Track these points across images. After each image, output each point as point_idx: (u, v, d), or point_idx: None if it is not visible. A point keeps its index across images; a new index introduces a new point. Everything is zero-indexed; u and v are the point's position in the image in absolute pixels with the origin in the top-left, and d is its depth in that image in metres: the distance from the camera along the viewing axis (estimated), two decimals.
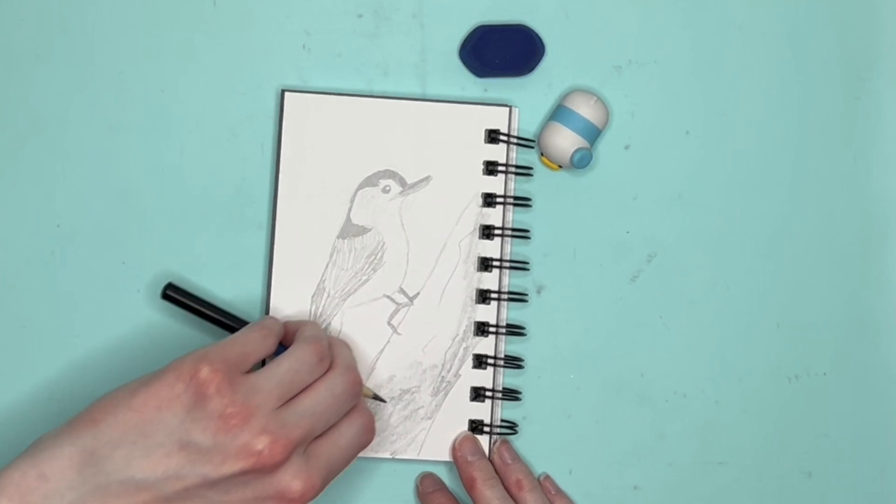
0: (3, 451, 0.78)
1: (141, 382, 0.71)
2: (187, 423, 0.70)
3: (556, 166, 0.86)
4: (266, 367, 0.74)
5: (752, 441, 0.88)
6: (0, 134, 0.85)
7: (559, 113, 0.85)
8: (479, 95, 0.87)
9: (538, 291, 0.87)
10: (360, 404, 0.78)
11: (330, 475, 0.75)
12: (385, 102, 0.86)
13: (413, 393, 0.85)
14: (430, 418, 0.85)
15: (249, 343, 0.75)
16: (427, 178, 0.85)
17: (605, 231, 0.87)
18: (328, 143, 0.85)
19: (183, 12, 0.86)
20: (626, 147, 0.88)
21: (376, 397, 0.84)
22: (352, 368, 0.77)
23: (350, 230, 0.85)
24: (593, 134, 0.85)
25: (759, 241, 0.88)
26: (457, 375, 0.85)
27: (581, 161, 0.84)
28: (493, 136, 0.86)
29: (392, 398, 0.85)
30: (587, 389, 0.87)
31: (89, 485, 0.69)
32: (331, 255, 0.85)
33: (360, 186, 0.85)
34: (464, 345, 0.85)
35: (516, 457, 0.85)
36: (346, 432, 0.76)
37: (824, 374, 0.88)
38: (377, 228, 0.85)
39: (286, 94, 0.85)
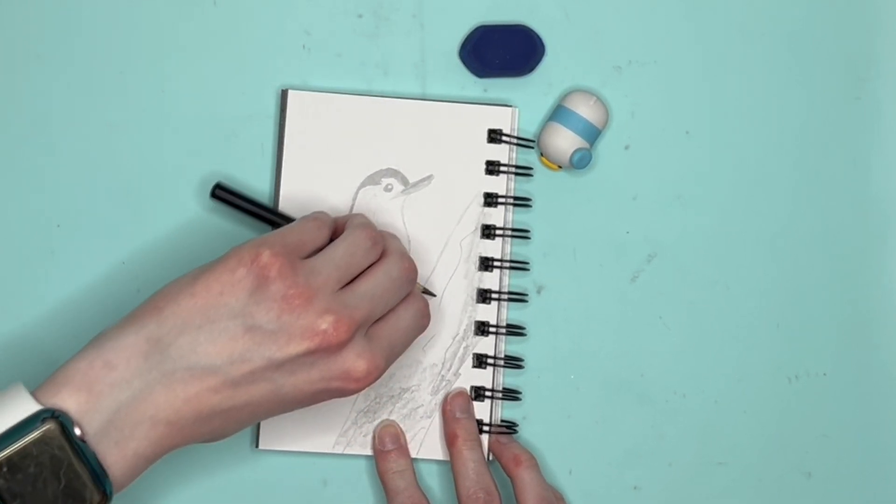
0: None
1: (202, 270, 0.72)
2: (251, 307, 0.70)
3: (555, 166, 0.86)
4: (323, 252, 0.74)
5: (752, 441, 0.88)
6: (0, 133, 0.85)
7: (559, 113, 0.85)
8: (479, 95, 0.87)
9: (538, 291, 0.87)
10: (414, 291, 0.79)
11: (391, 357, 0.76)
12: (388, 101, 0.86)
13: (413, 392, 0.85)
14: (429, 417, 0.85)
15: (306, 232, 0.75)
16: (429, 178, 0.85)
17: (605, 231, 0.87)
18: (330, 142, 0.85)
19: (183, 12, 0.86)
20: (626, 147, 0.88)
21: (426, 291, 0.84)
22: (406, 255, 0.78)
23: None
24: (593, 134, 0.85)
25: (759, 241, 0.88)
26: (457, 375, 0.85)
27: (581, 161, 0.84)
28: (494, 136, 0.86)
29: (391, 396, 0.85)
30: (587, 389, 0.87)
31: (156, 371, 0.69)
32: None
33: (363, 185, 0.85)
34: (464, 344, 0.85)
35: (470, 411, 0.85)
36: (405, 315, 0.77)
37: (824, 374, 0.88)
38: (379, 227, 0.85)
39: (289, 92, 0.85)
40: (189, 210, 0.85)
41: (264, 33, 0.87)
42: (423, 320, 0.79)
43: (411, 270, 0.78)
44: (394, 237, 0.80)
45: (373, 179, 0.85)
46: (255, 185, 0.85)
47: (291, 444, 0.85)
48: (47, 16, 0.85)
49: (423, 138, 0.85)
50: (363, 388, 0.74)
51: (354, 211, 0.85)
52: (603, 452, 0.87)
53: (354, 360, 0.72)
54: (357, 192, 0.85)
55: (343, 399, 0.83)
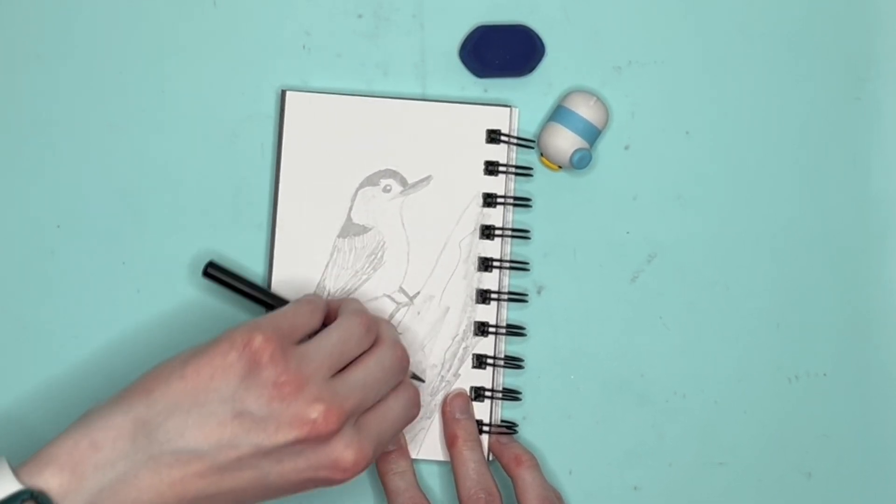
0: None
1: (193, 352, 0.71)
2: (241, 392, 0.70)
3: (555, 167, 0.86)
4: (316, 338, 0.74)
5: (752, 441, 0.88)
6: (0, 134, 0.85)
7: (559, 113, 0.85)
8: (479, 96, 0.87)
9: (538, 291, 0.87)
10: (405, 379, 0.78)
11: (380, 447, 0.75)
12: (386, 102, 0.86)
13: None
14: (429, 418, 0.85)
15: (299, 316, 0.75)
16: (428, 178, 0.85)
17: (605, 231, 0.87)
18: (329, 143, 0.85)
19: (183, 12, 0.86)
20: (626, 147, 0.88)
21: (415, 377, 0.84)
22: (399, 343, 0.77)
23: (351, 229, 0.85)
24: (593, 134, 0.85)
25: (759, 242, 0.88)
26: (456, 375, 0.85)
27: (581, 162, 0.84)
28: (493, 137, 0.86)
29: None
30: (587, 389, 0.87)
31: (142, 454, 0.69)
32: (331, 255, 0.85)
33: (361, 186, 0.85)
34: (463, 345, 0.85)
35: (469, 411, 0.85)
36: (395, 406, 0.76)
37: (824, 374, 0.88)
38: (378, 228, 0.85)
39: (287, 93, 0.85)
40: (189, 210, 0.85)
41: (264, 33, 0.87)
42: (413, 410, 0.78)
43: (403, 359, 0.77)
44: (387, 323, 0.79)
45: (371, 180, 0.85)
46: (255, 185, 0.85)
47: None
48: (47, 16, 0.85)
49: (422, 139, 0.85)
50: (350, 479, 0.73)
51: (354, 211, 0.85)
52: (603, 452, 0.87)
53: (343, 451, 0.72)
54: (356, 194, 0.85)
55: None
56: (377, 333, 0.77)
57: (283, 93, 0.85)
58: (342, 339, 0.74)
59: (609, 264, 0.87)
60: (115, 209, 0.85)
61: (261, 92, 0.86)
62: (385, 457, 0.84)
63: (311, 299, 0.77)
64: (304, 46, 0.87)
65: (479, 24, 0.86)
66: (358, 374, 0.74)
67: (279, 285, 0.85)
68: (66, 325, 0.85)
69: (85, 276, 0.85)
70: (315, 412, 0.70)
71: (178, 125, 0.86)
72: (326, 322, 0.77)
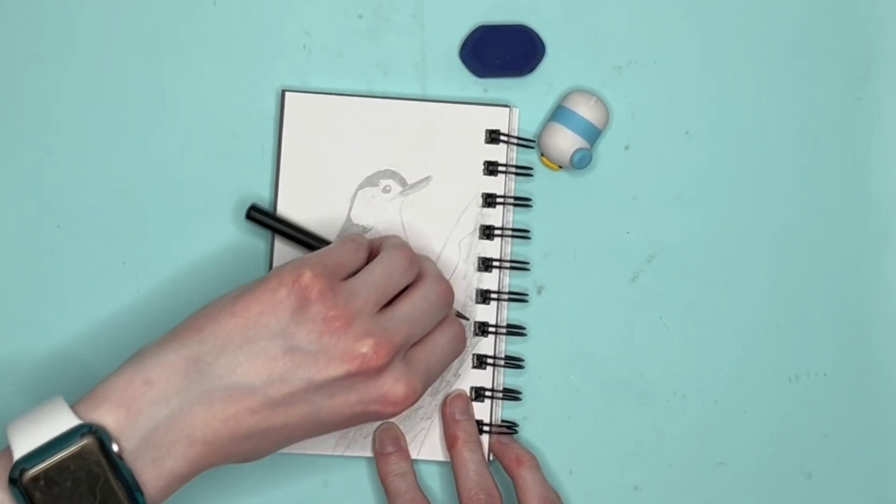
0: None
1: (243, 290, 0.72)
2: (291, 328, 0.71)
3: (556, 167, 0.86)
4: (361, 273, 0.75)
5: (752, 441, 0.88)
6: (0, 134, 0.85)
7: (559, 113, 0.85)
8: (479, 96, 0.87)
9: (538, 292, 0.87)
10: (450, 314, 0.79)
11: (429, 381, 0.76)
12: (385, 103, 0.86)
13: None
14: (429, 418, 0.85)
15: (344, 254, 0.75)
16: (427, 179, 0.85)
17: (605, 231, 0.87)
18: (328, 143, 0.85)
19: (183, 12, 0.86)
20: (626, 147, 0.88)
21: (460, 315, 0.84)
22: (442, 278, 0.78)
23: (350, 230, 0.85)
24: (593, 134, 0.85)
25: (759, 241, 0.88)
26: (456, 375, 0.85)
27: (581, 161, 0.84)
28: (493, 137, 0.86)
29: None
30: (587, 389, 0.87)
31: (195, 391, 0.69)
32: None
33: (361, 186, 0.85)
34: None
35: (469, 412, 0.85)
36: (441, 340, 0.77)
37: (824, 374, 0.88)
38: (377, 228, 0.85)
39: (287, 94, 0.85)
40: (189, 210, 0.85)
41: (264, 33, 0.87)
42: (459, 344, 0.79)
43: (448, 294, 0.78)
44: (429, 260, 0.80)
45: (371, 181, 0.85)
46: (256, 185, 0.85)
47: (291, 445, 0.84)
48: (47, 16, 0.85)
49: (421, 139, 0.85)
50: (401, 413, 0.74)
51: (353, 212, 0.85)
52: (603, 453, 0.87)
53: (393, 385, 0.73)
54: (355, 194, 0.85)
55: None
56: (420, 268, 0.78)
57: (283, 93, 0.85)
58: (387, 273, 0.75)
59: (609, 264, 0.87)
60: (115, 209, 0.85)
61: (261, 92, 0.86)
62: (385, 458, 0.84)
63: (354, 238, 0.77)
64: (304, 46, 0.87)
65: (480, 24, 0.87)
66: (405, 308, 0.75)
67: (285, 206, 0.85)
68: (65, 325, 0.85)
69: (85, 276, 0.85)
70: (365, 346, 0.71)
71: (178, 125, 0.86)
72: (370, 260, 0.77)
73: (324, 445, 0.85)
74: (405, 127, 0.85)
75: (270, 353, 0.70)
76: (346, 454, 0.85)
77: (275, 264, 0.84)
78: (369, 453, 0.85)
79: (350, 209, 0.85)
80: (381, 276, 0.75)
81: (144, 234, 0.85)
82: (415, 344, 0.75)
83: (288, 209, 0.85)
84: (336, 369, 0.71)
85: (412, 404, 0.74)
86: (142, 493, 0.68)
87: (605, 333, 0.87)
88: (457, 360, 0.85)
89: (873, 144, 0.89)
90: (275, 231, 0.83)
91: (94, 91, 0.86)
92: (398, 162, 0.85)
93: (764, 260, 0.88)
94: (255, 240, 0.85)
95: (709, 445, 0.88)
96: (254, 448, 0.72)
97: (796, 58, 0.88)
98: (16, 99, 0.85)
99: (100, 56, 0.86)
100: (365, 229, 0.85)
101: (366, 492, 0.86)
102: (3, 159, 0.85)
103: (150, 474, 0.69)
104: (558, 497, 0.84)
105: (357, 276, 0.74)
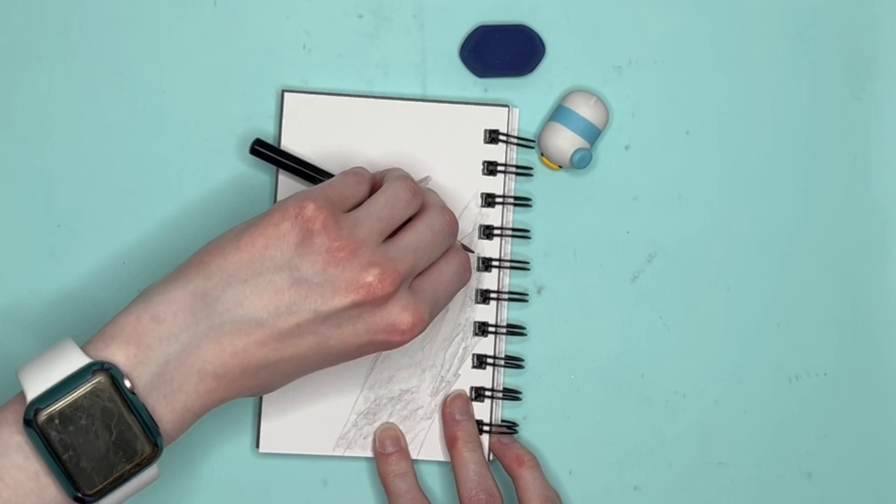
0: None
1: (247, 224, 0.73)
2: (296, 260, 0.71)
3: (556, 166, 0.86)
4: (365, 204, 0.75)
5: (752, 441, 0.88)
6: (0, 134, 0.85)
7: (559, 113, 0.85)
8: (479, 96, 0.87)
9: (538, 291, 0.87)
10: (455, 244, 0.79)
11: (435, 310, 0.76)
12: (384, 103, 0.85)
13: (412, 393, 0.85)
14: (429, 418, 0.85)
15: (347, 186, 0.76)
16: (426, 179, 0.85)
17: (605, 231, 0.87)
18: (327, 144, 0.85)
19: (183, 12, 0.86)
20: (626, 147, 0.88)
21: (464, 247, 0.84)
22: (446, 208, 0.78)
23: None
24: (593, 134, 0.85)
25: (759, 241, 0.88)
26: (456, 375, 0.85)
27: (581, 161, 0.84)
28: (492, 137, 0.86)
29: (391, 398, 0.85)
30: (587, 389, 0.87)
31: (203, 325, 0.70)
32: None
33: None
34: (463, 345, 0.85)
35: (469, 412, 0.85)
36: (446, 269, 0.78)
37: (824, 374, 0.88)
38: None
39: (286, 94, 0.85)
40: (189, 210, 0.85)
41: (264, 33, 0.87)
42: (465, 274, 0.79)
43: (452, 223, 0.78)
44: (433, 191, 0.80)
45: None
46: (255, 185, 0.85)
47: (292, 447, 0.85)
48: (46, 16, 0.85)
49: (420, 139, 0.85)
50: (409, 341, 0.74)
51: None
52: (603, 453, 0.87)
53: (400, 313, 0.73)
54: None
55: (343, 400, 0.83)
56: (424, 199, 0.78)
57: (283, 93, 0.85)
58: (390, 203, 0.75)
59: (609, 264, 0.87)
60: (115, 209, 0.85)
61: (261, 92, 0.86)
62: (386, 458, 0.84)
63: (357, 171, 0.78)
64: (304, 46, 0.87)
65: (480, 25, 0.86)
66: (409, 237, 0.75)
67: None
68: (65, 325, 0.85)
69: (85, 276, 0.85)
70: (370, 276, 0.72)
71: (178, 125, 0.86)
72: (373, 193, 0.78)
73: (324, 446, 0.85)
74: (404, 127, 0.85)
75: (276, 286, 0.71)
76: (346, 454, 0.85)
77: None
78: (369, 454, 0.85)
79: None
80: (384, 206, 0.75)
81: (144, 234, 0.85)
82: (420, 273, 0.76)
83: None
84: (342, 299, 0.71)
85: (420, 332, 0.74)
86: (158, 428, 0.69)
87: (604, 333, 0.87)
88: (457, 360, 0.85)
89: (873, 144, 0.89)
90: (278, 165, 0.83)
91: (93, 91, 0.86)
92: (396, 162, 0.85)
93: (764, 260, 0.88)
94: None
95: (709, 445, 0.88)
96: (265, 380, 0.73)
97: (796, 57, 0.88)
98: (16, 99, 0.85)
99: (99, 56, 0.86)
100: None
101: (366, 492, 0.86)
102: (3, 159, 0.85)
103: (163, 409, 0.69)
104: (558, 497, 0.84)
105: (360, 207, 0.75)
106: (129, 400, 0.68)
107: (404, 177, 0.78)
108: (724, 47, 0.88)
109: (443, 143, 0.85)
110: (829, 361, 0.88)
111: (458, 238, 0.81)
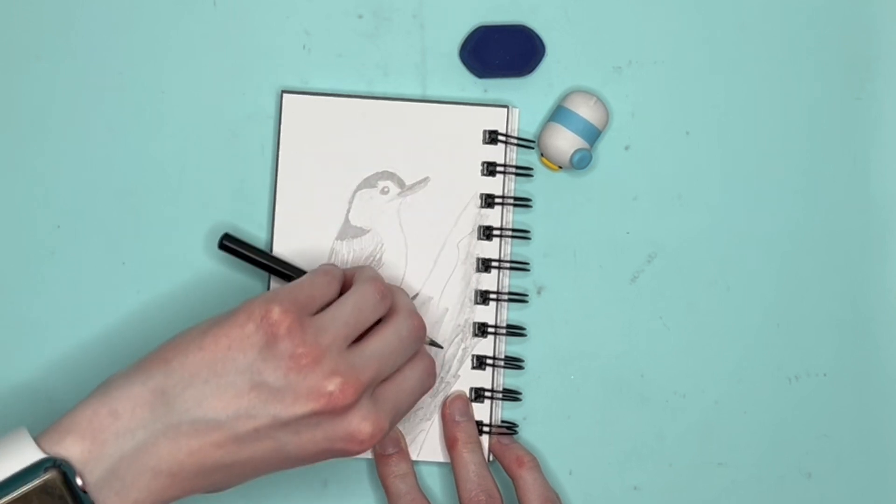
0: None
1: (212, 323, 0.72)
2: (258, 363, 0.70)
3: (555, 167, 0.86)
4: (331, 308, 0.74)
5: (752, 441, 0.88)
6: (0, 134, 0.85)
7: (559, 114, 0.85)
8: (479, 96, 0.87)
9: (538, 292, 0.87)
10: (422, 349, 0.78)
11: (396, 418, 0.76)
12: (382, 104, 0.85)
13: None
14: (429, 419, 0.85)
15: (316, 287, 0.75)
16: (425, 180, 0.85)
17: (605, 231, 0.87)
18: (327, 145, 0.85)
19: (183, 12, 0.86)
20: (626, 147, 0.87)
21: (433, 343, 0.84)
22: (415, 313, 0.78)
23: (349, 231, 0.85)
24: (593, 135, 0.85)
25: (759, 241, 0.88)
26: (456, 376, 0.85)
27: (580, 162, 0.84)
28: (491, 137, 0.86)
29: None
30: (587, 389, 0.87)
31: (161, 423, 0.69)
32: (330, 257, 0.85)
33: (359, 188, 0.85)
34: (463, 345, 0.85)
35: (469, 413, 0.85)
36: (411, 376, 0.77)
37: (824, 374, 0.88)
38: (376, 230, 0.85)
39: (285, 95, 0.85)
40: (189, 209, 0.86)
41: (264, 33, 0.87)
42: (429, 380, 0.79)
43: (420, 329, 0.77)
44: (402, 292, 0.79)
45: (369, 182, 0.85)
46: (255, 186, 0.86)
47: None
48: (46, 16, 0.85)
49: (419, 140, 0.85)
50: (367, 450, 0.73)
51: (352, 213, 0.85)
52: (603, 453, 0.87)
53: (359, 423, 0.72)
54: (353, 196, 0.85)
55: None
56: (392, 302, 0.77)
57: (282, 94, 0.85)
58: (357, 308, 0.74)
59: (609, 264, 0.87)
60: (115, 209, 0.85)
61: (261, 92, 0.86)
62: (386, 460, 0.84)
63: (327, 269, 0.77)
64: (304, 46, 0.87)
65: (480, 25, 0.86)
66: (375, 344, 0.74)
67: (283, 208, 0.85)
68: (64, 325, 0.85)
69: (85, 276, 0.85)
70: (332, 385, 0.71)
71: (178, 125, 0.86)
72: (343, 291, 0.77)
73: None
74: (402, 128, 0.85)
75: (237, 388, 0.70)
76: None
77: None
78: (369, 455, 0.85)
79: (348, 211, 0.85)
80: (351, 311, 0.74)
81: (144, 234, 0.85)
82: (384, 380, 0.75)
83: (286, 211, 0.84)
84: (302, 407, 0.70)
85: (379, 441, 0.74)
86: None
87: (604, 334, 0.87)
88: (457, 361, 0.85)
89: (873, 144, 0.88)
90: (248, 261, 0.82)
91: (93, 91, 0.86)
92: (396, 163, 0.85)
93: (764, 260, 0.88)
94: (256, 240, 0.85)
95: (709, 446, 0.88)
96: (220, 480, 0.72)
97: (796, 57, 0.88)
98: (16, 99, 0.85)
99: (99, 56, 0.86)
100: (363, 231, 0.85)
101: (366, 492, 0.86)
102: (3, 159, 0.85)
103: None
104: (558, 498, 0.84)
105: (327, 310, 0.74)
106: (80, 497, 0.67)
107: (374, 278, 0.77)
108: (724, 47, 0.88)
109: (442, 143, 0.85)
110: (829, 361, 0.88)
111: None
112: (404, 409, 0.77)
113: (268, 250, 0.84)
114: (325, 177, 0.85)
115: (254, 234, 0.85)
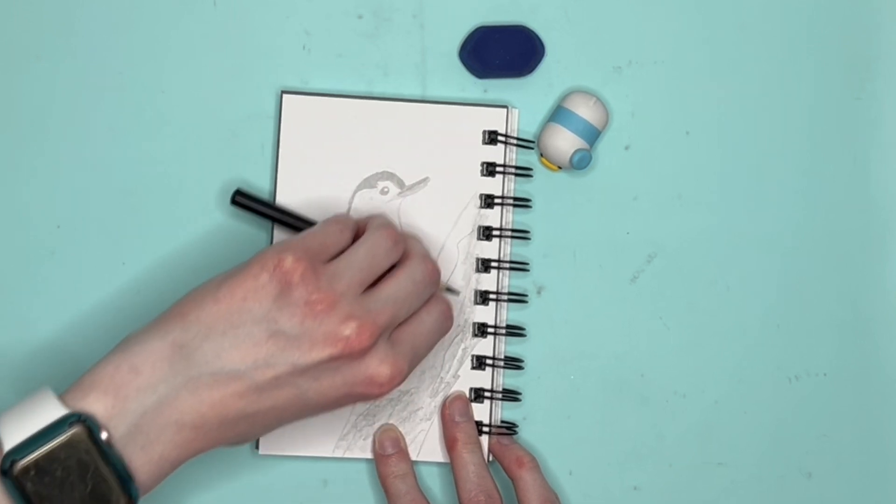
0: None
1: (226, 276, 0.73)
2: (274, 312, 0.71)
3: (555, 167, 0.86)
4: (345, 255, 0.75)
5: (752, 441, 0.88)
6: (0, 134, 0.85)
7: (559, 114, 0.85)
8: (479, 96, 0.87)
9: (538, 292, 0.87)
10: (437, 293, 0.79)
11: (415, 361, 0.76)
12: (382, 104, 0.85)
13: (412, 394, 0.85)
14: (428, 420, 0.85)
15: (328, 235, 0.75)
16: (425, 180, 0.85)
17: (605, 231, 0.87)
18: (326, 145, 0.85)
19: (183, 12, 0.86)
20: (626, 147, 0.87)
21: (450, 290, 0.84)
22: (428, 257, 0.78)
23: None
24: (593, 135, 0.85)
25: (759, 241, 0.88)
26: (455, 377, 0.85)
27: (580, 162, 0.84)
28: (491, 138, 0.86)
29: (391, 400, 0.85)
30: (587, 389, 0.87)
31: (181, 377, 0.70)
32: None
33: (359, 188, 0.85)
34: (462, 346, 0.85)
35: (469, 414, 0.85)
36: (427, 319, 0.77)
37: (824, 374, 0.88)
38: None
39: (284, 95, 0.85)
40: (189, 209, 0.86)
41: (264, 33, 0.87)
42: (446, 322, 0.79)
43: (434, 272, 0.78)
44: (415, 238, 0.80)
45: (369, 183, 0.85)
46: (256, 186, 0.86)
47: (291, 448, 0.85)
48: (46, 16, 0.85)
49: (419, 141, 0.85)
50: (387, 393, 0.74)
51: (351, 213, 0.85)
52: (603, 453, 0.87)
53: (378, 366, 0.73)
54: (353, 196, 0.85)
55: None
56: (406, 247, 0.78)
57: (282, 95, 0.85)
58: (370, 254, 0.75)
59: (609, 264, 0.87)
60: (115, 209, 0.85)
61: (261, 92, 0.86)
62: (385, 460, 0.84)
63: (339, 218, 0.78)
64: (304, 46, 0.87)
65: (480, 25, 0.86)
66: (389, 288, 0.75)
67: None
68: (65, 325, 0.85)
69: (85, 276, 0.85)
70: (348, 329, 0.71)
71: (178, 125, 0.86)
72: (355, 240, 0.77)
73: (323, 447, 0.85)
74: (402, 128, 0.85)
75: (254, 338, 0.71)
76: (345, 456, 0.85)
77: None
78: (369, 455, 0.85)
79: (348, 211, 0.85)
80: (364, 256, 0.75)
81: (144, 234, 0.85)
82: (401, 324, 0.76)
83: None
84: (319, 353, 0.71)
85: (398, 384, 0.74)
86: (132, 479, 0.69)
87: (604, 334, 0.87)
88: (456, 361, 0.85)
89: (873, 144, 0.88)
90: (260, 215, 0.83)
91: (93, 91, 0.86)
92: (396, 163, 0.85)
93: (764, 260, 0.88)
94: (255, 240, 0.85)
95: (709, 445, 0.88)
96: (243, 431, 0.73)
97: (796, 57, 0.88)
98: (16, 99, 0.85)
99: (99, 56, 0.86)
100: None
101: (366, 493, 0.86)
102: (2, 159, 0.85)
103: (139, 460, 0.69)
104: (558, 499, 0.84)
105: (341, 257, 0.74)
106: (105, 452, 0.68)
107: (386, 225, 0.77)
108: (724, 48, 0.88)
109: (442, 143, 0.85)
110: (829, 361, 0.88)
111: (447, 276, 0.80)
112: (422, 353, 0.77)
113: (282, 207, 0.84)
114: (324, 177, 0.85)
115: (254, 232, 0.85)
